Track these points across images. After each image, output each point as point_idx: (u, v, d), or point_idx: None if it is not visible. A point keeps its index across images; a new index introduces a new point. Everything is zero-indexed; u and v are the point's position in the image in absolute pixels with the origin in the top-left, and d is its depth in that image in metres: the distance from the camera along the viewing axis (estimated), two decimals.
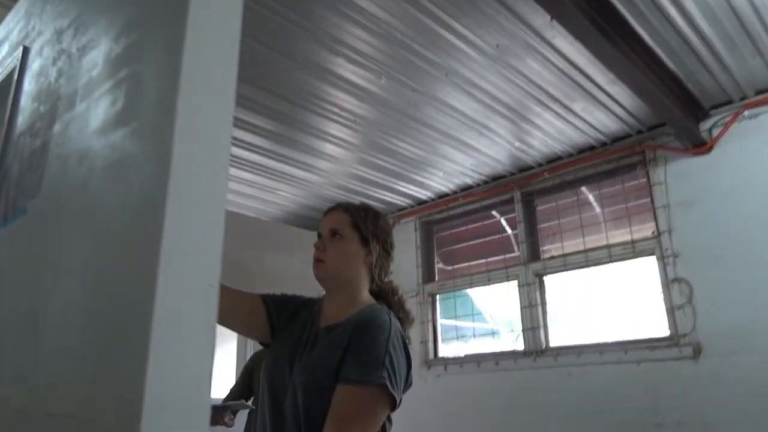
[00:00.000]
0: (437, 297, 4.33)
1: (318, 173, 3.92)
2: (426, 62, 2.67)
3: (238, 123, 3.17)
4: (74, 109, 1.04)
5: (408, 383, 1.32)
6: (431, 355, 4.16)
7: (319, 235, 1.47)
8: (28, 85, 1.28)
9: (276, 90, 2.89)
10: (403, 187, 4.18)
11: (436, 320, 4.27)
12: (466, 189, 4.19)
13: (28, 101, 1.26)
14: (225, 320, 1.47)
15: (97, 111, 0.96)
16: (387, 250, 1.49)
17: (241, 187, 4.04)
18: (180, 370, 0.70)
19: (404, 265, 4.43)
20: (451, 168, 3.86)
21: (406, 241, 4.47)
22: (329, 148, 3.54)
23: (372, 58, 2.64)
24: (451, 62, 2.68)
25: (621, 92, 2.95)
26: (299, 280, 2.38)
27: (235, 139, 3.34)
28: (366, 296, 1.44)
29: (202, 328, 0.73)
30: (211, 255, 0.76)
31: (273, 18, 2.36)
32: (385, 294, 1.48)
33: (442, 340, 4.27)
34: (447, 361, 4.04)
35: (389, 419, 1.32)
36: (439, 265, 4.49)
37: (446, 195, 4.30)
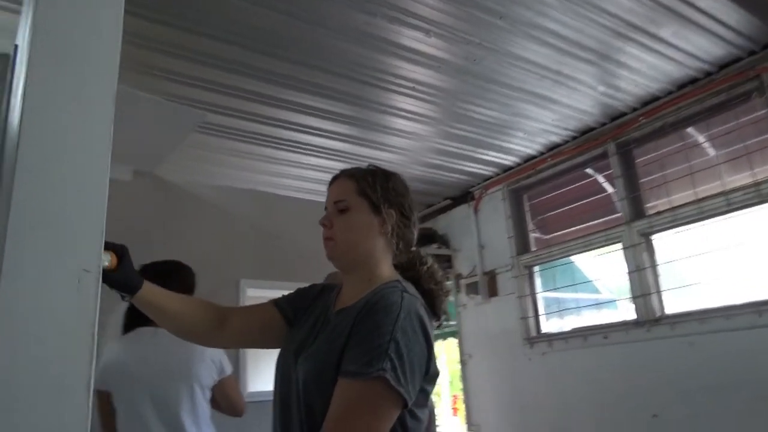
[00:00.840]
0: (534, 269, 3.99)
1: (398, 152, 3.77)
2: (492, 14, 2.41)
3: (311, 110, 3.13)
4: None
5: (429, 373, 1.11)
6: (533, 332, 3.84)
7: (326, 210, 1.31)
8: None
9: (344, 72, 2.79)
10: (485, 155, 3.90)
11: (535, 294, 3.95)
12: (553, 148, 3.81)
13: None
14: (241, 341, 1.38)
15: None
16: (405, 214, 1.29)
17: (323, 175, 3.98)
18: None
19: (495, 238, 4.16)
20: (533, 127, 3.51)
21: (494, 212, 4.19)
22: (407, 125, 3.38)
23: (437, 22, 2.44)
24: (517, 9, 2.40)
25: (719, 6, 2.46)
26: None
27: (310, 127, 3.32)
28: (387, 271, 1.24)
29: (72, 329, 0.59)
30: (89, 230, 0.63)
31: None
32: (413, 265, 1.28)
33: (546, 315, 3.94)
34: (551, 338, 3.71)
35: (413, 415, 1.09)
36: (535, 235, 4.14)
37: (533, 157, 3.94)
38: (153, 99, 2.36)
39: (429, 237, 4.61)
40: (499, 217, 4.14)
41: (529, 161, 3.98)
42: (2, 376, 0.53)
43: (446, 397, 9.37)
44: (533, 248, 4.03)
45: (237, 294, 3.26)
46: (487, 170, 4.17)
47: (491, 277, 4.17)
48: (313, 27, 2.46)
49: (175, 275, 2.02)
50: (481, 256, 4.28)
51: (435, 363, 1.13)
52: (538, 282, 3.98)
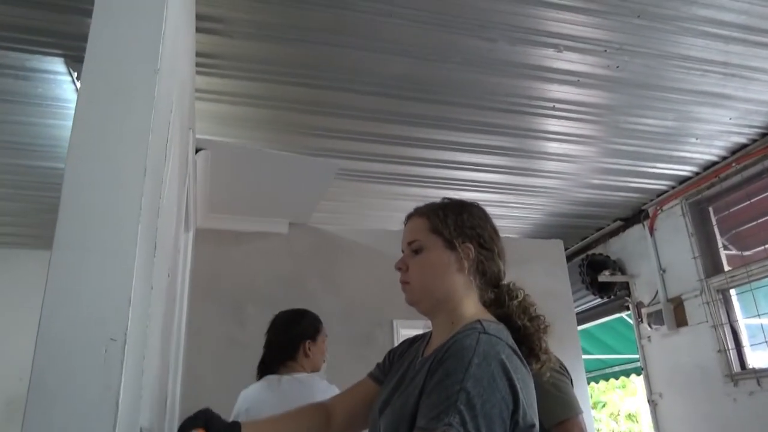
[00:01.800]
0: (731, 292, 3.41)
1: (559, 177, 3.60)
2: (626, 13, 2.20)
3: (458, 146, 3.17)
4: None
5: (519, 427, 0.95)
6: (736, 367, 3.26)
7: (403, 253, 1.23)
8: None
9: (481, 103, 2.78)
10: (655, 167, 3.50)
11: (734, 322, 3.36)
12: (737, 150, 3.28)
13: None
14: (351, 427, 1.29)
15: None
16: (485, 246, 1.16)
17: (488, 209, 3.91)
18: None
19: (678, 259, 3.67)
20: (707, 130, 3.08)
21: (674, 230, 3.71)
22: (562, 147, 3.23)
23: (564, 35, 2.31)
24: (677, 4, 2.16)
25: None
26: (542, 294, 2.12)
27: (460, 162, 3.35)
28: (471, 311, 1.12)
29: (96, 397, 0.62)
30: (117, 299, 0.66)
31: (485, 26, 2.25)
32: (502, 302, 1.15)
33: (751, 347, 3.32)
34: (760, 374, 3.11)
35: None
36: (728, 252, 3.56)
37: (713, 164, 3.43)
38: (293, 156, 2.53)
39: (600, 263, 4.23)
40: (681, 235, 3.65)
41: (709, 168, 3.47)
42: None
43: None
44: (727, 268, 3.46)
45: (391, 334, 3.30)
46: (660, 184, 3.73)
47: (677, 304, 3.66)
48: (441, 65, 2.47)
49: (300, 320, 2.12)
50: (662, 281, 3.80)
51: (528, 413, 0.97)
52: (737, 307, 3.39)
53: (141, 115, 0.75)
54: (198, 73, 2.37)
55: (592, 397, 8.26)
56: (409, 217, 1.25)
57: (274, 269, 3.25)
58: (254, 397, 1.97)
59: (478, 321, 1.07)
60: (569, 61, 2.47)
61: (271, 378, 2.02)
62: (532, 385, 1.03)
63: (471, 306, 1.13)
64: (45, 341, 0.62)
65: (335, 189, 3.48)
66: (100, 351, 0.63)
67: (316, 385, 1.99)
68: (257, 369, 2.10)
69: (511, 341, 1.05)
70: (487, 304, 1.16)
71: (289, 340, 2.05)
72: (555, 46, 2.37)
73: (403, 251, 1.23)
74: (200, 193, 2.91)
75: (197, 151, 2.34)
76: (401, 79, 2.55)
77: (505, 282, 1.20)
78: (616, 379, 6.52)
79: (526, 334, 1.10)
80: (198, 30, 2.12)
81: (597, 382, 6.63)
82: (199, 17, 2.04)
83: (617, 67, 2.52)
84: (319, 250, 3.38)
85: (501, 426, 0.93)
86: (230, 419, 1.99)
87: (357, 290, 3.37)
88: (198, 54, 2.25)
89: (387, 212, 3.87)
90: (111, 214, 0.69)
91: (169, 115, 1.00)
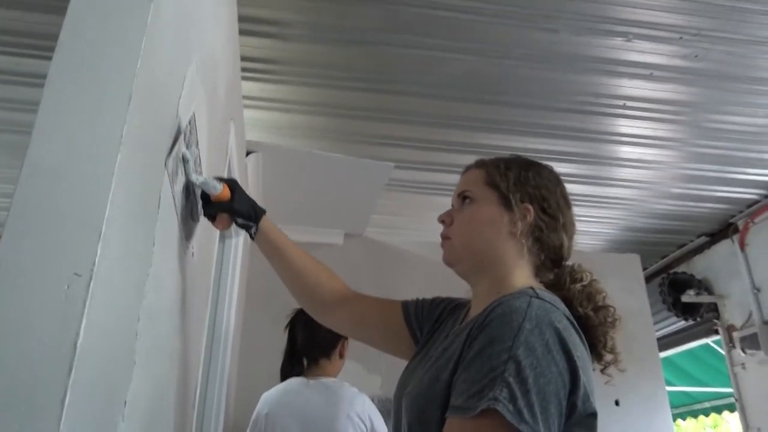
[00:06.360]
0: None
1: (635, 186, 3.35)
2: None
3: (532, 153, 2.91)
4: None
5: (578, 412, 0.78)
6: None
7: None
8: None
9: (545, 104, 2.60)
10: (745, 173, 3.18)
11: None
12: None
13: None
14: (355, 328, 1.24)
15: None
16: (549, 212, 0.98)
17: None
18: None
19: None
20: None
21: None
22: (637, 152, 2.99)
23: (633, 21, 2.11)
24: None
25: None
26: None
27: None
28: (522, 282, 0.94)
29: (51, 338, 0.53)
30: (86, 229, 0.57)
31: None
32: (562, 284, 0.96)
33: None
34: None
35: None
36: None
37: None
38: (345, 158, 2.46)
39: (684, 282, 3.87)
40: None
41: None
42: None
43: None
44: None
45: None
46: (750, 192, 3.38)
47: None
48: (501, 61, 2.34)
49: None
50: (757, 302, 3.42)
51: (590, 396, 0.80)
52: None
53: (134, 34, 0.68)
54: (248, 79, 2.36)
55: None
56: (467, 168, 1.09)
57: None
58: (276, 401, 1.86)
59: (530, 287, 0.90)
60: (640, 52, 2.27)
61: (297, 381, 1.89)
62: (591, 370, 0.85)
63: (522, 277, 0.96)
64: (2, 272, 0.54)
65: (392, 202, 3.39)
66: (61, 287, 0.54)
67: (345, 392, 1.84)
68: (281, 370, 1.98)
69: (569, 314, 0.87)
70: (549, 286, 0.97)
71: (329, 336, 1.92)
72: (623, 35, 2.19)
73: (453, 206, 1.07)
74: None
75: (247, 154, 2.31)
76: (460, 79, 2.43)
77: (569, 263, 1.02)
78: (706, 416, 5.95)
79: (589, 326, 0.91)
80: (246, 33, 2.09)
81: (684, 419, 6.07)
82: (246, 19, 2.02)
83: (696, 56, 2.29)
84: (376, 261, 3.27)
85: (557, 407, 0.75)
86: (250, 422, 1.91)
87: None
88: (247, 59, 2.23)
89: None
90: (88, 142, 0.61)
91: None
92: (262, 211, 1.18)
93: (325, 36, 2.20)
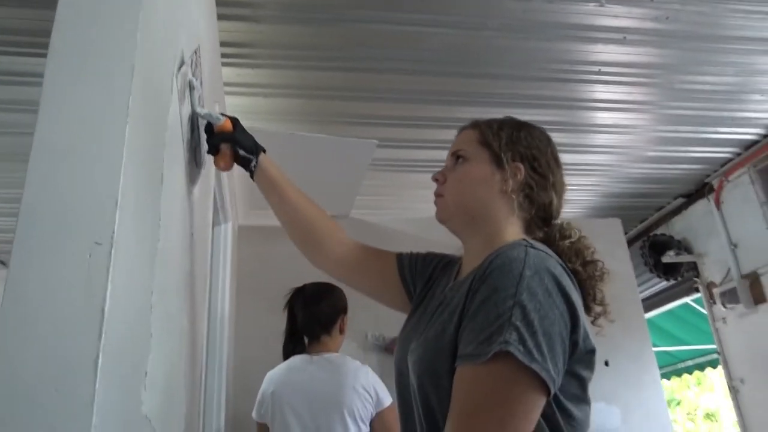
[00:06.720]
0: None
1: (612, 152, 3.40)
2: None
3: None
4: None
5: (579, 349, 0.83)
6: None
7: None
8: None
9: (522, 74, 2.61)
10: (717, 132, 3.24)
11: None
12: None
13: None
14: (348, 273, 1.25)
15: None
16: (539, 170, 1.02)
17: None
18: None
19: (750, 232, 3.40)
20: None
21: (744, 201, 3.43)
22: (613, 117, 3.03)
23: None
24: None
25: None
26: None
27: None
28: (513, 237, 0.98)
29: (80, 306, 0.54)
30: (103, 199, 0.58)
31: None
32: (552, 241, 0.99)
33: None
34: None
35: (562, 409, 0.82)
36: None
37: None
38: (328, 138, 2.46)
39: (663, 244, 3.96)
40: (751, 205, 3.37)
41: None
42: (4, 357, 0.49)
43: None
44: None
45: None
46: (723, 152, 3.45)
47: (753, 280, 3.37)
48: (477, 32, 2.34)
49: (327, 295, 2.00)
50: (734, 257, 3.51)
51: (588, 335, 0.85)
52: None
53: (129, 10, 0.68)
54: (225, 65, 2.33)
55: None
56: (462, 128, 1.13)
57: None
58: (280, 379, 1.88)
59: (524, 239, 0.94)
60: (613, 16, 2.30)
61: (301, 358, 1.91)
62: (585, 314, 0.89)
63: (513, 233, 1.00)
64: (23, 248, 0.54)
65: (374, 181, 3.39)
66: (84, 256, 0.55)
67: (349, 366, 1.87)
68: (283, 349, 1.99)
69: (561, 262, 0.91)
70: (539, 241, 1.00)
71: (329, 312, 1.94)
72: (596, 0, 2.22)
73: (447, 165, 1.11)
74: (238, 188, 2.87)
75: None
76: (437, 54, 2.44)
77: (558, 221, 1.05)
78: (690, 374, 6.13)
79: (579, 280, 0.95)
80: (221, 17, 2.07)
81: (669, 379, 6.25)
82: (220, 2, 2.00)
83: (667, 18, 2.33)
84: (363, 240, 3.29)
85: (561, 346, 0.80)
86: (256, 402, 1.93)
87: None
88: (224, 44, 2.21)
89: (429, 204, 3.74)
90: (97, 114, 0.61)
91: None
92: (262, 148, 1.21)
93: (298, 16, 2.18)
